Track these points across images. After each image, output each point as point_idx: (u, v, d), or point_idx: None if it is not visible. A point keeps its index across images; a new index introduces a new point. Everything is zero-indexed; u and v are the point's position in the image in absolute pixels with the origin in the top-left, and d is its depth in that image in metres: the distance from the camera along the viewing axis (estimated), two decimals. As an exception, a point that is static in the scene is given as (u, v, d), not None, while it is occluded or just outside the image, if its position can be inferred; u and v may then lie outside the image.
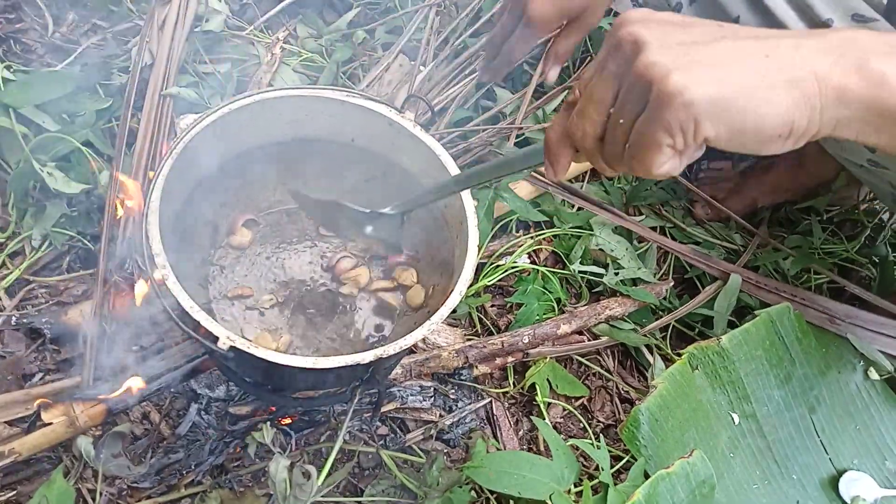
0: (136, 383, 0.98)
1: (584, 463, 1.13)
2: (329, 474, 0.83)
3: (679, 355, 1.22)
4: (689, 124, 0.46)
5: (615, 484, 1.01)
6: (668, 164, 0.49)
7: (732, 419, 1.20)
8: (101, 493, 0.92)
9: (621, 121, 0.50)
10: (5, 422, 0.98)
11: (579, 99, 0.53)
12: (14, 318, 1.05)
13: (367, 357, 0.77)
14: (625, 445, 1.14)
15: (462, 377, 1.16)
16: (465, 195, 0.92)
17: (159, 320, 1.07)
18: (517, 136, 1.32)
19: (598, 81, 0.51)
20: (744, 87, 0.46)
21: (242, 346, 0.74)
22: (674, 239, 1.42)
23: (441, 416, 1.13)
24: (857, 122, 0.49)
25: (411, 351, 1.11)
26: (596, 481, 1.00)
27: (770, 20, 0.94)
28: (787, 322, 1.27)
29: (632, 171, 0.51)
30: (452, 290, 0.85)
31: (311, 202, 0.99)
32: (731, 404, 1.21)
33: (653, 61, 0.47)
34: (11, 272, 1.08)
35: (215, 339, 0.74)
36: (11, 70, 1.13)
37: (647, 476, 1.05)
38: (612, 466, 1.10)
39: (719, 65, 0.46)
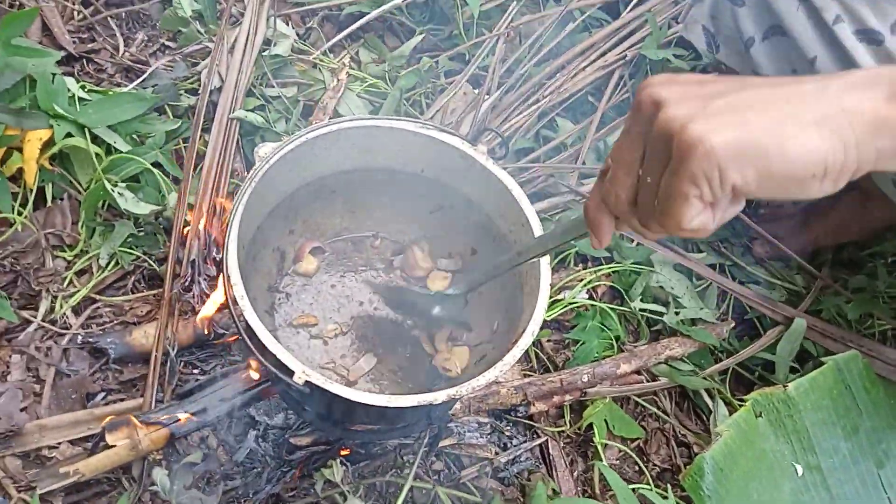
0: (196, 409, 0.98)
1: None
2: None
3: (740, 401, 1.19)
4: (713, 172, 0.44)
5: (680, 535, 0.97)
6: (699, 218, 0.47)
7: (796, 470, 1.16)
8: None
9: (649, 179, 0.49)
10: (69, 441, 0.98)
11: (611, 167, 0.53)
12: (80, 337, 1.05)
13: (440, 397, 0.76)
14: (682, 491, 1.11)
15: (518, 414, 1.14)
16: (538, 230, 0.91)
17: (221, 345, 1.07)
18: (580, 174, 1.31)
19: (625, 145, 0.51)
20: (766, 130, 0.44)
21: (318, 381, 0.73)
22: (734, 278, 1.39)
23: (496, 453, 1.11)
24: None
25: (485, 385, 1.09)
26: (661, 532, 0.97)
27: (845, 58, 0.92)
28: (854, 371, 1.22)
29: (665, 229, 0.49)
30: (524, 330, 0.83)
31: (382, 288, 1.04)
32: (795, 455, 1.16)
33: (672, 115, 0.46)
34: (79, 290, 1.09)
35: (290, 372, 0.73)
36: (86, 90, 1.15)
37: (711, 528, 1.02)
38: (672, 515, 1.07)
39: (739, 111, 0.45)
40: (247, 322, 0.75)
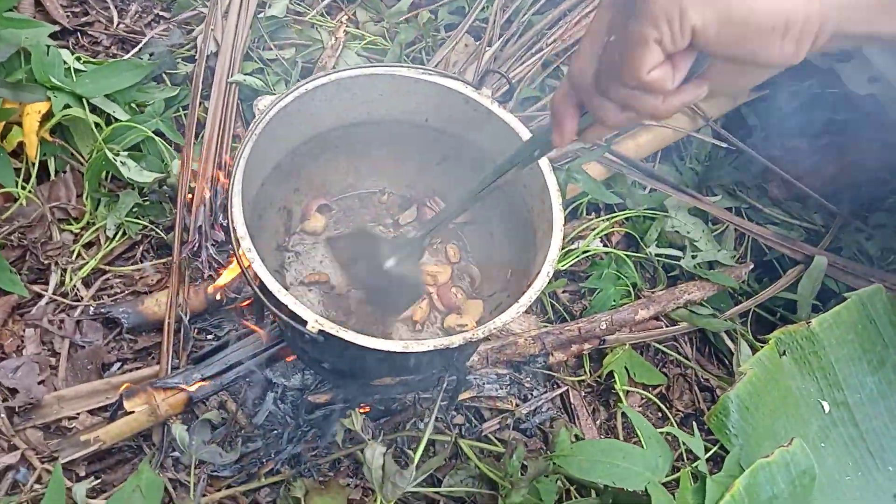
0: (212, 372, 0.97)
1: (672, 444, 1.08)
2: (417, 466, 0.81)
3: (762, 341, 1.17)
4: (673, 11, 0.44)
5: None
6: (658, 70, 0.47)
7: (823, 407, 1.14)
8: (196, 480, 0.91)
9: (613, 38, 0.49)
10: (87, 411, 0.98)
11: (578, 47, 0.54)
12: (92, 309, 1.05)
13: (456, 340, 0.75)
14: (707, 435, 1.09)
15: (537, 364, 1.13)
16: (548, 173, 0.88)
17: (234, 309, 1.06)
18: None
19: (595, 16, 0.52)
20: None
21: (332, 329, 0.72)
22: (750, 220, 1.36)
23: (517, 405, 1.10)
24: (865, 7, 0.46)
25: (487, 338, 1.08)
26: (688, 470, 0.96)
27: None
28: (879, 305, 1.20)
29: (626, 86, 0.48)
30: (539, 272, 0.81)
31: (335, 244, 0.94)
32: (821, 392, 1.14)
33: None
34: (87, 262, 1.08)
35: (304, 322, 0.72)
36: (81, 61, 1.14)
37: (741, 466, 1.00)
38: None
39: None
40: (256, 274, 0.73)
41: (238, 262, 0.73)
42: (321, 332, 0.72)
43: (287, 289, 0.97)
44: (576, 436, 1.08)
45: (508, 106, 1.18)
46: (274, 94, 1.23)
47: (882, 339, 1.18)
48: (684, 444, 0.98)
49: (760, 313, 1.29)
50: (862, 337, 1.17)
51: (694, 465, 0.91)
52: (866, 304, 1.19)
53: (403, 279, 0.84)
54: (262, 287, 0.73)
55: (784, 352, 1.14)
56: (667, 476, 0.93)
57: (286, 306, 0.73)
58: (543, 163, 0.89)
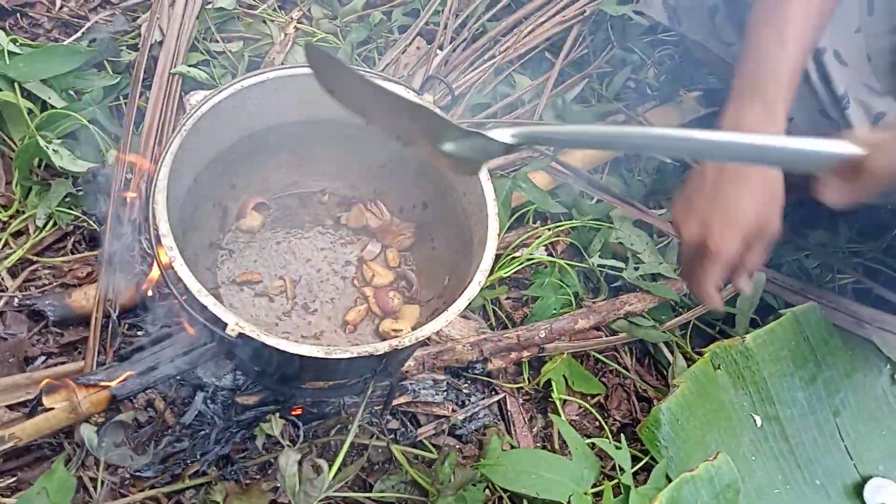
0: (139, 370, 0.95)
1: (601, 462, 1.09)
2: (339, 469, 0.80)
3: (699, 354, 1.18)
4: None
5: (635, 486, 0.97)
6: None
7: (755, 421, 1.16)
8: (102, 483, 0.89)
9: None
10: (6, 406, 0.95)
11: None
12: (17, 300, 1.01)
13: (381, 347, 0.74)
14: (642, 446, 1.10)
15: (476, 371, 1.13)
16: (486, 182, 0.88)
17: (165, 305, 1.03)
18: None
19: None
20: None
21: (252, 333, 0.70)
22: (695, 234, 1.38)
23: (453, 410, 1.09)
24: None
25: (425, 343, 1.08)
26: (615, 482, 0.97)
27: None
28: (812, 322, 1.23)
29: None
30: (471, 281, 0.81)
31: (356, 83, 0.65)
32: (753, 406, 1.17)
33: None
34: (14, 252, 1.04)
35: (224, 325, 0.70)
36: (17, 44, 1.10)
37: (668, 478, 1.01)
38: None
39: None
40: (176, 274, 0.72)
41: (157, 260, 0.71)
42: (241, 335, 0.70)
43: (218, 287, 0.96)
44: (510, 444, 1.08)
45: (454, 113, 1.18)
46: (218, 86, 1.22)
47: (814, 355, 1.21)
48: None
49: (700, 326, 1.30)
50: (794, 353, 1.19)
51: (621, 476, 0.91)
52: (800, 322, 1.21)
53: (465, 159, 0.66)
54: (183, 288, 0.71)
55: (719, 365, 1.16)
56: (594, 487, 0.94)
57: (206, 308, 0.71)
58: (482, 172, 0.89)
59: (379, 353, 0.74)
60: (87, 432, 0.82)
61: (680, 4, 1.02)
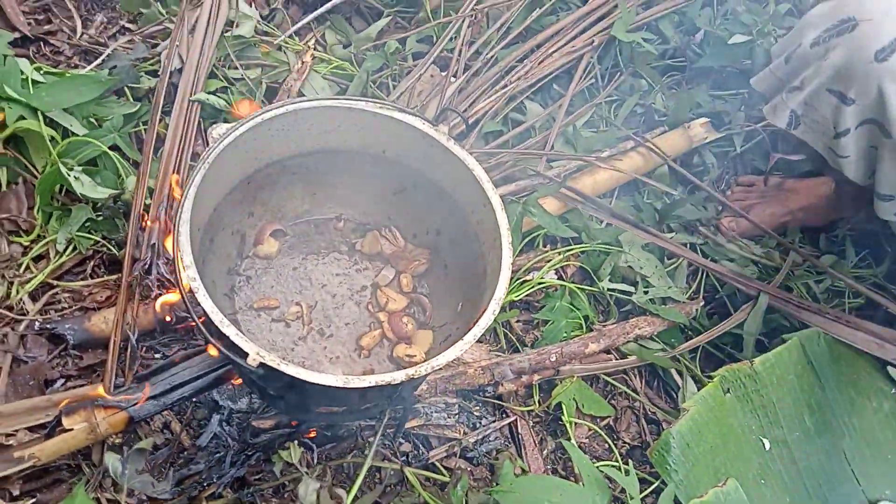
0: (156, 392, 0.96)
1: (610, 485, 1.10)
2: (356, 497, 0.81)
3: (709, 377, 1.19)
4: None
5: (645, 511, 0.98)
6: None
7: (763, 444, 1.17)
8: (126, 506, 0.91)
9: None
10: (26, 427, 0.96)
11: None
12: (37, 323, 1.04)
13: (398, 377, 0.76)
14: (651, 468, 1.11)
15: (487, 394, 1.14)
16: (500, 211, 0.90)
17: (183, 329, 1.05)
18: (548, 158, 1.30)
19: None
20: None
21: (272, 363, 0.72)
22: (706, 256, 1.39)
23: (465, 433, 1.11)
24: None
25: (444, 365, 1.09)
26: (624, 508, 0.98)
27: None
28: (817, 347, 1.24)
29: None
30: (485, 310, 0.83)
31: None
32: (762, 429, 1.17)
33: None
34: (35, 276, 1.07)
35: (244, 354, 0.72)
36: (41, 72, 1.13)
37: (676, 501, 1.02)
38: (640, 491, 1.07)
39: None
40: (200, 304, 0.74)
41: (181, 291, 0.73)
42: (261, 364, 0.72)
43: (236, 313, 0.98)
44: (522, 468, 1.09)
45: (467, 142, 1.21)
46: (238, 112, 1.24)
47: (819, 380, 1.22)
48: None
49: (710, 350, 1.31)
50: (801, 378, 1.20)
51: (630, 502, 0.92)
52: (805, 347, 1.22)
53: None
54: (205, 317, 0.73)
55: (728, 389, 1.17)
56: (605, 512, 0.94)
57: (227, 337, 0.73)
58: (496, 201, 0.91)
59: (396, 383, 0.75)
60: (111, 460, 0.84)
61: (808, 115, 1.05)
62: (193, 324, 1.01)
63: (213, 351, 0.92)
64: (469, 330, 0.81)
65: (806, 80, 1.03)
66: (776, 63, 1.10)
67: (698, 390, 1.17)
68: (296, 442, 0.86)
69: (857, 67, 0.95)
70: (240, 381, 0.99)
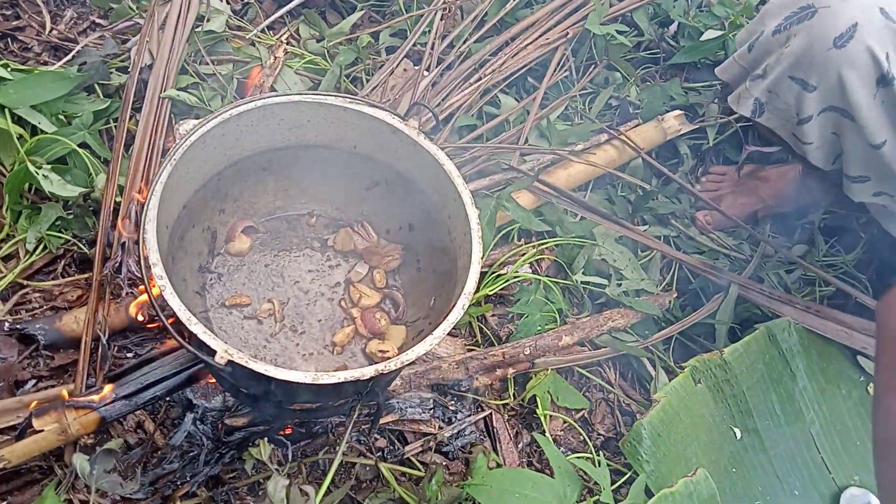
0: (128, 391, 0.96)
1: (585, 477, 1.11)
2: (328, 492, 0.82)
3: (682, 368, 1.21)
4: None
5: (617, 501, 0.99)
6: None
7: (735, 433, 1.19)
8: (95, 506, 0.90)
9: None
10: (-4, 429, 0.96)
11: None
12: (7, 324, 1.03)
13: (367, 372, 0.76)
14: (626, 459, 1.13)
15: (462, 388, 1.15)
16: (470, 205, 0.90)
17: (156, 328, 1.05)
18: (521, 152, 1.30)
19: None
20: None
21: (240, 360, 0.72)
22: (678, 249, 1.41)
23: (440, 427, 1.11)
24: None
25: (411, 363, 1.09)
26: (596, 498, 0.99)
27: None
28: (787, 336, 1.26)
29: None
30: (455, 305, 0.83)
31: None
32: (733, 418, 1.19)
33: None
34: (5, 276, 1.05)
35: (213, 352, 0.72)
36: (8, 69, 1.11)
37: (648, 491, 1.04)
38: (613, 482, 1.09)
39: None
40: (166, 302, 0.73)
41: (147, 290, 0.73)
42: (230, 362, 0.72)
43: (207, 311, 0.97)
44: (496, 462, 1.10)
45: (441, 136, 1.21)
46: (209, 108, 1.23)
47: (789, 368, 1.24)
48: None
49: (683, 340, 1.33)
50: (769, 367, 1.23)
51: (600, 495, 0.93)
52: (775, 336, 1.24)
53: None
54: (174, 317, 0.73)
55: (699, 380, 1.18)
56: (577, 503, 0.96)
57: (196, 335, 0.73)
58: (466, 195, 0.92)
59: (365, 378, 0.76)
60: (78, 461, 0.84)
61: (772, 103, 1.07)
62: (161, 323, 1.01)
63: (182, 349, 0.92)
64: (439, 324, 0.82)
65: (768, 67, 1.04)
66: (740, 52, 1.12)
67: (670, 381, 1.19)
68: (266, 439, 0.86)
69: (816, 54, 0.97)
70: (213, 379, 0.99)
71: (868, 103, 0.96)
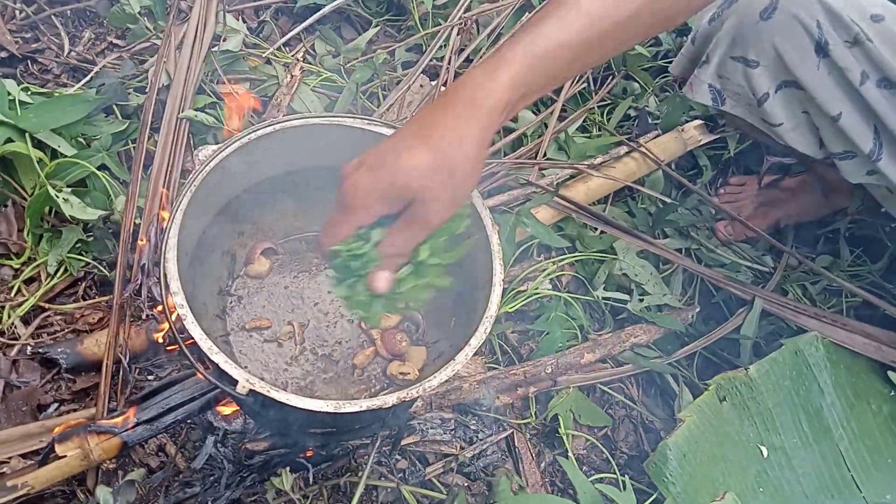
0: (150, 415, 0.96)
1: (607, 500, 1.09)
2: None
3: (705, 384, 1.18)
4: None
5: (643, 525, 0.97)
6: None
7: (761, 452, 1.16)
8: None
9: None
10: (20, 454, 0.96)
11: None
12: (29, 348, 1.03)
13: (389, 400, 0.75)
14: (650, 478, 1.11)
15: (483, 408, 1.13)
16: (490, 228, 0.89)
17: (177, 350, 1.05)
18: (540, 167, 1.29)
19: None
20: None
21: (262, 389, 0.71)
22: (700, 261, 1.39)
23: (461, 448, 1.10)
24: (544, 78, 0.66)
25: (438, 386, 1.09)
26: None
27: (874, 116, 0.96)
28: (814, 351, 1.23)
29: None
30: (477, 329, 0.82)
31: None
32: (759, 436, 1.17)
33: None
34: (27, 299, 1.06)
35: (234, 381, 0.72)
36: (28, 93, 1.12)
37: (674, 515, 1.02)
38: (639, 502, 1.07)
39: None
40: (187, 332, 0.73)
41: (167, 318, 0.73)
42: (251, 391, 0.71)
43: (228, 334, 0.97)
44: (518, 484, 1.08)
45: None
46: (227, 128, 1.23)
47: (817, 384, 1.21)
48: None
49: (707, 356, 1.31)
50: (796, 383, 1.20)
51: (626, 519, 0.92)
52: (802, 351, 1.22)
53: None
54: (193, 344, 0.73)
55: (724, 397, 1.16)
56: (602, 528, 0.94)
57: (217, 364, 0.72)
58: (485, 214, 0.90)
59: (388, 406, 0.75)
60: (102, 493, 0.84)
61: (726, 87, 1.06)
62: (181, 351, 1.01)
63: (203, 376, 0.91)
64: (461, 349, 0.81)
65: (710, 53, 1.05)
66: (686, 47, 1.13)
67: (694, 398, 1.17)
68: (288, 468, 0.86)
69: (747, 29, 0.98)
70: (233, 406, 0.98)
71: (813, 74, 0.96)
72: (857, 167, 1.05)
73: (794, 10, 0.94)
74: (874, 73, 0.94)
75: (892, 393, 1.28)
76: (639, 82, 1.52)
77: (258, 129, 0.88)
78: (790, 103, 1.03)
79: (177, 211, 0.79)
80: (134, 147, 1.19)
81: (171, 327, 0.74)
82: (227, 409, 0.93)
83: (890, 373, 1.24)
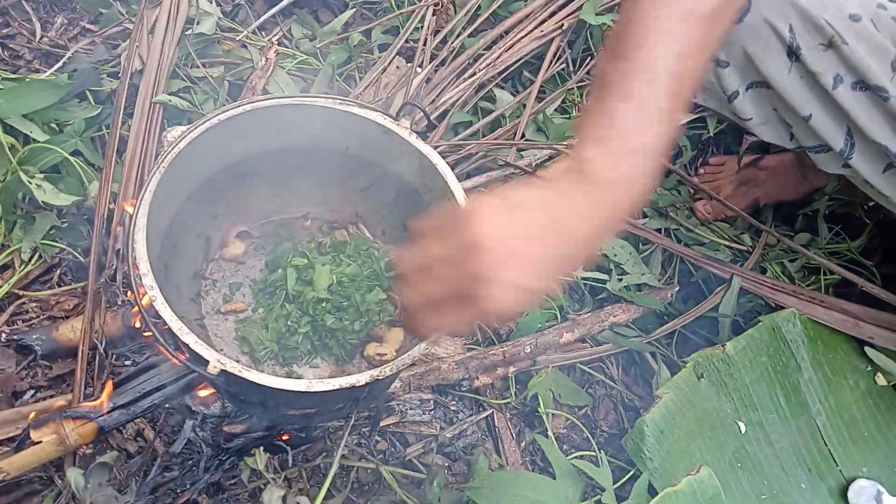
0: (126, 400, 0.96)
1: (588, 477, 1.10)
2: (329, 496, 0.81)
3: (685, 362, 1.19)
4: None
5: (621, 499, 0.98)
6: None
7: (739, 428, 1.17)
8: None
9: None
10: (-5, 441, 0.96)
11: None
12: (4, 335, 1.02)
13: (362, 378, 0.75)
14: (629, 455, 1.12)
15: (462, 388, 1.14)
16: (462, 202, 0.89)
17: (151, 336, 1.04)
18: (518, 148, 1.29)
19: None
20: None
21: (233, 369, 0.71)
22: (679, 241, 1.39)
23: (441, 428, 1.11)
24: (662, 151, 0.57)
25: (410, 364, 1.09)
26: (598, 498, 0.98)
27: (845, 119, 0.95)
28: (791, 327, 1.24)
29: None
30: (451, 306, 0.82)
31: None
32: (737, 412, 1.18)
33: None
34: (1, 287, 1.05)
35: (206, 362, 0.72)
36: (0, 79, 1.10)
37: (652, 489, 1.03)
38: (617, 479, 1.08)
39: None
40: (157, 313, 0.73)
41: (137, 301, 0.72)
42: (223, 371, 0.71)
43: (203, 318, 0.97)
44: (498, 462, 1.09)
45: (436, 134, 1.19)
46: (201, 112, 1.23)
47: (794, 360, 1.22)
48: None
49: (686, 334, 1.32)
50: (773, 359, 1.21)
51: (602, 495, 0.93)
52: (779, 328, 1.23)
53: None
54: (165, 326, 0.73)
55: (702, 374, 1.17)
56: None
57: (187, 345, 0.72)
58: (459, 194, 0.90)
59: (361, 385, 0.75)
60: (73, 475, 0.83)
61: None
62: (152, 334, 1.01)
63: (174, 361, 0.91)
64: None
65: None
66: None
67: (673, 376, 1.18)
68: (262, 448, 0.86)
69: None
70: (209, 389, 0.98)
71: (784, 77, 0.95)
72: (832, 160, 1.05)
73: (765, 14, 0.91)
74: (849, 76, 0.92)
75: (869, 368, 1.29)
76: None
77: (228, 110, 0.87)
78: (760, 101, 1.02)
79: (145, 192, 0.79)
80: (107, 132, 1.17)
81: (140, 310, 0.74)
82: (204, 392, 0.93)
83: (867, 348, 1.25)
